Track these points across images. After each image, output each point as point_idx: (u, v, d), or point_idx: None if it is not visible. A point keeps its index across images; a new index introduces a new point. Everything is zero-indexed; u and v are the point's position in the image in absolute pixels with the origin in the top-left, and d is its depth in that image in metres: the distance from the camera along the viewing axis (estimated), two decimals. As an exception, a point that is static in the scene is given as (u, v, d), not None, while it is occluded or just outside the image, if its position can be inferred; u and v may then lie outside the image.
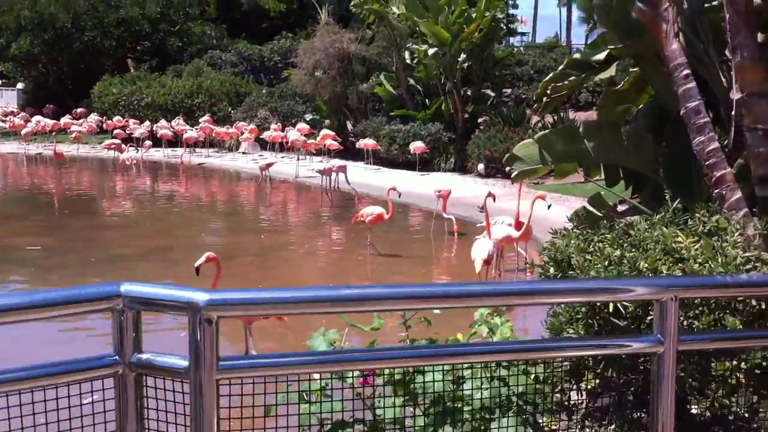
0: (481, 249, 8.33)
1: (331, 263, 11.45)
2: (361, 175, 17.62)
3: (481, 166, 20.39)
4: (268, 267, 10.92)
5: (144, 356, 2.25)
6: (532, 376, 3.10)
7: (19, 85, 45.46)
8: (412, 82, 24.75)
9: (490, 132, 20.83)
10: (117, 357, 2.22)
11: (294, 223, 15.60)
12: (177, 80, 33.08)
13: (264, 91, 30.70)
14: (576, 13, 62.77)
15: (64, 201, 18.30)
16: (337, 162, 17.83)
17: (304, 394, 2.88)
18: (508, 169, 7.06)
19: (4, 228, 13.92)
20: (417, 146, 21.04)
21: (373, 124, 24.19)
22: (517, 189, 10.60)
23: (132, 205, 18.05)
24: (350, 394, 2.92)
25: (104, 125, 30.86)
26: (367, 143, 22.48)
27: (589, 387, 3.33)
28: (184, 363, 2.21)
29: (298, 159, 22.06)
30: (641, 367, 3.23)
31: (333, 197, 17.25)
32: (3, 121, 33.97)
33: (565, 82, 7.00)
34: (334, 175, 17.62)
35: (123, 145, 24.12)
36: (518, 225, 9.56)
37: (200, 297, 2.20)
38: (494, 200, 9.93)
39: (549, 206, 9.81)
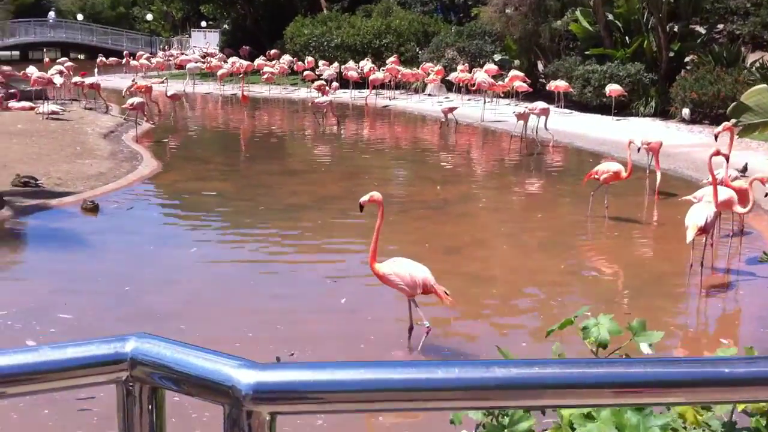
0: (698, 215, 7.05)
1: (513, 221, 10.48)
2: (550, 120, 16.34)
3: (686, 111, 18.44)
4: (442, 222, 10.14)
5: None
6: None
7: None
8: (611, 17, 22.78)
9: (699, 73, 18.76)
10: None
11: (476, 173, 14.70)
12: (366, 20, 32.74)
13: (453, 30, 29.66)
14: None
15: (250, 144, 18.43)
16: (540, 104, 16.56)
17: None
18: (734, 121, 5.79)
19: (186, 170, 14.06)
20: (613, 89, 19.34)
21: (565, 65, 22.62)
22: (729, 142, 8.93)
23: (313, 150, 17.86)
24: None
25: (295, 67, 31.15)
26: (558, 85, 21.03)
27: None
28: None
29: (484, 102, 21.00)
30: None
31: (525, 144, 16.16)
32: (201, 61, 35.17)
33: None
34: (534, 118, 16.42)
35: (327, 87, 23.82)
36: (733, 187, 8.14)
37: (245, 378, 1.31)
38: (727, 160, 8.46)
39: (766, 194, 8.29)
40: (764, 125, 5.57)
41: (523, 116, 16.11)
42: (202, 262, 8.08)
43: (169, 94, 22.43)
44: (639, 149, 11.01)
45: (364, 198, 5.97)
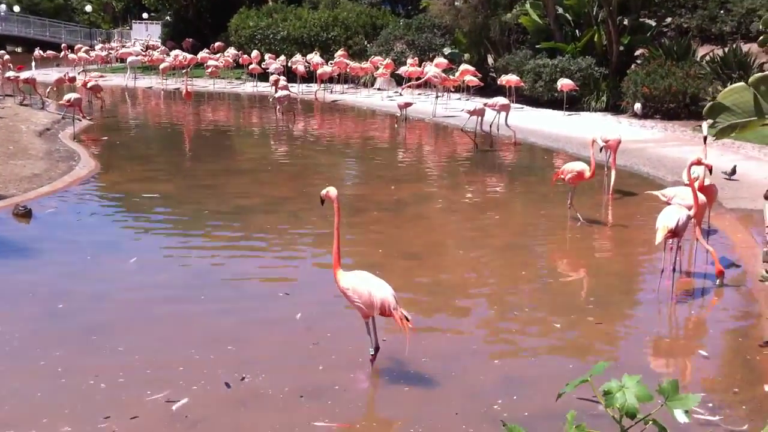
0: (669, 217, 6.73)
1: (470, 222, 10.10)
2: (501, 116, 16.03)
3: (638, 106, 18.35)
4: (396, 225, 9.71)
5: None
6: None
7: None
8: (561, 10, 22.62)
9: (650, 67, 18.69)
10: None
11: (430, 171, 14.31)
12: (313, 12, 32.15)
13: (401, 23, 29.26)
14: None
15: (194, 141, 17.77)
16: (500, 99, 16.18)
17: None
18: (709, 122, 5.45)
19: (126, 171, 13.39)
20: (565, 83, 19.15)
21: (516, 59, 22.41)
22: (703, 148, 8.62)
23: (261, 147, 17.29)
24: None
25: (240, 60, 30.42)
26: (509, 80, 20.78)
27: None
28: None
29: (436, 96, 20.63)
30: None
31: (479, 141, 15.81)
32: (143, 54, 34.15)
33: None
34: (491, 114, 16.02)
35: (282, 82, 23.14)
36: (702, 188, 7.85)
37: None
38: (711, 172, 8.11)
39: (710, 170, 8.03)
40: (743, 126, 5.20)
41: (476, 112, 15.76)
42: (142, 274, 7.52)
43: (89, 85, 21.53)
44: (602, 149, 10.71)
45: (323, 191, 5.65)
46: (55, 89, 22.08)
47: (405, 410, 4.95)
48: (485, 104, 16.12)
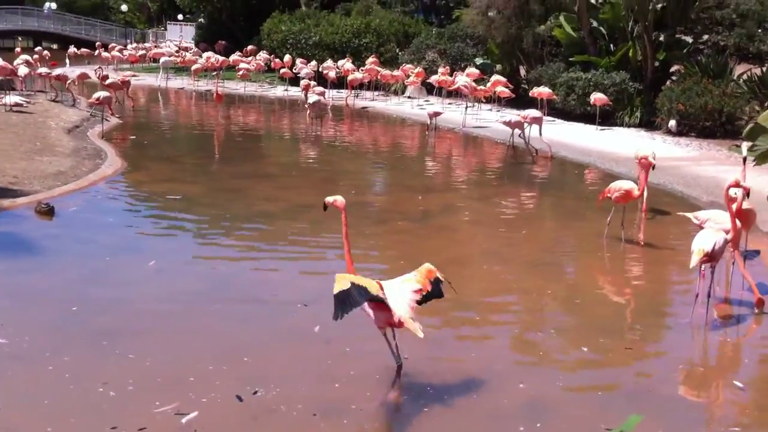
0: (706, 240, 6.46)
1: (497, 236, 9.85)
2: (534, 129, 15.76)
3: (672, 123, 17.98)
4: (421, 237, 9.50)
5: None
6: None
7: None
8: (595, 24, 22.28)
9: (686, 84, 18.31)
10: None
11: (458, 182, 14.09)
12: (345, 19, 32.08)
13: (433, 32, 29.08)
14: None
15: (222, 143, 17.70)
16: (532, 112, 15.92)
17: None
18: (748, 144, 5.19)
19: (152, 171, 13.33)
20: (598, 97, 18.83)
21: (549, 71, 22.11)
22: (742, 170, 8.28)
23: (289, 152, 17.17)
24: None
25: (272, 64, 30.42)
26: (541, 92, 20.49)
27: None
28: None
29: (466, 107, 20.41)
30: None
31: (513, 153, 15.56)
32: (175, 55, 34.28)
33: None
34: (525, 127, 15.77)
35: (319, 88, 23.04)
36: (739, 212, 7.54)
37: None
38: (748, 195, 7.78)
39: (747, 193, 7.71)
40: (787, 149, 4.95)
41: (513, 124, 15.50)
42: (159, 278, 7.38)
43: (106, 82, 21.52)
44: (654, 166, 10.24)
45: (329, 198, 5.56)
46: (75, 84, 22.07)
47: (423, 433, 4.73)
48: (519, 115, 15.92)
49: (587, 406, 5.15)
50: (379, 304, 5.03)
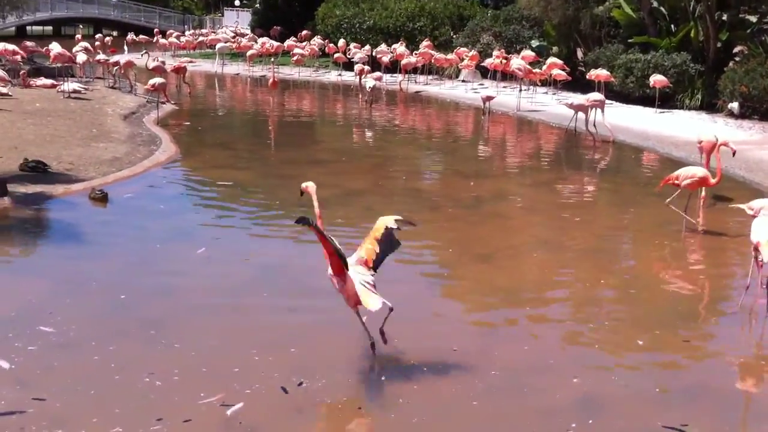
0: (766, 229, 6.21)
1: (550, 223, 9.63)
2: (595, 113, 15.38)
3: (734, 105, 17.41)
4: (472, 223, 9.34)
5: None
6: None
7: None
8: (655, 4, 21.70)
9: (749, 65, 17.67)
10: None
11: (512, 167, 13.88)
12: (400, 2, 31.85)
13: (488, 14, 28.68)
14: None
15: (275, 129, 17.73)
16: (594, 95, 15.54)
17: None
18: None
19: (205, 157, 13.42)
20: (658, 79, 18.34)
21: (607, 53, 21.62)
22: None
23: (341, 137, 17.11)
24: None
25: (326, 49, 30.39)
26: (599, 74, 19.99)
27: None
28: None
29: (520, 90, 20.07)
30: None
31: (573, 137, 15.22)
32: (231, 41, 34.49)
33: None
34: (589, 110, 15.41)
35: (378, 73, 22.96)
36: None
37: None
38: None
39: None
40: None
41: (578, 107, 15.15)
42: (209, 266, 7.37)
43: (150, 66, 21.62)
44: (735, 152, 9.92)
45: (303, 185, 5.68)
46: (122, 70, 22.20)
47: (473, 429, 4.61)
48: (586, 99, 15.58)
49: (643, 403, 4.96)
50: (346, 286, 5.14)
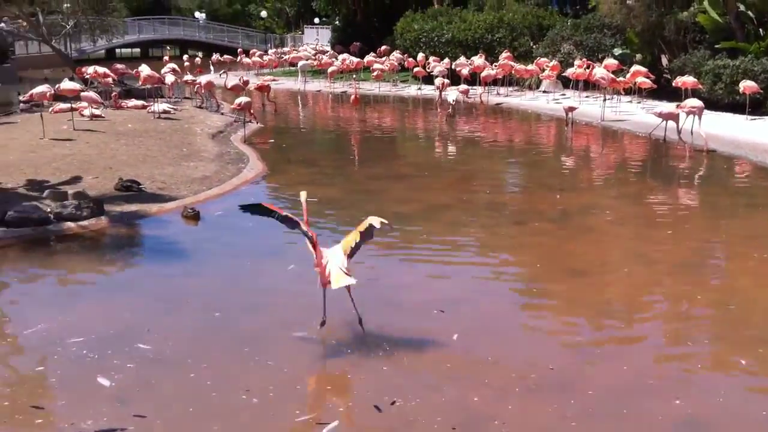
0: None
1: (641, 236, 9.42)
2: (690, 120, 14.98)
3: (831, 111, 16.71)
4: (559, 238, 9.21)
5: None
6: None
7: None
8: (742, 8, 21.03)
9: None
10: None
11: (598, 180, 13.64)
12: (478, 14, 31.77)
13: (569, 23, 28.31)
14: None
15: (357, 144, 17.88)
16: (692, 101, 15.20)
17: None
18: None
19: (291, 174, 13.61)
20: (748, 85, 17.75)
21: (693, 59, 21.06)
22: None
23: (423, 151, 17.15)
24: None
25: (405, 63, 30.52)
26: (685, 81, 19.50)
27: None
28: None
29: (604, 99, 19.75)
30: None
31: (665, 148, 14.86)
32: (312, 59, 34.98)
33: None
34: (683, 117, 15.03)
35: (463, 86, 23.11)
36: None
37: None
38: None
39: None
40: None
41: (667, 115, 14.80)
42: (299, 283, 7.45)
43: (229, 86, 22.05)
44: None
45: (303, 197, 6.42)
46: (202, 90, 22.63)
47: (568, 450, 4.54)
48: (678, 106, 15.24)
49: (751, 427, 4.79)
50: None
